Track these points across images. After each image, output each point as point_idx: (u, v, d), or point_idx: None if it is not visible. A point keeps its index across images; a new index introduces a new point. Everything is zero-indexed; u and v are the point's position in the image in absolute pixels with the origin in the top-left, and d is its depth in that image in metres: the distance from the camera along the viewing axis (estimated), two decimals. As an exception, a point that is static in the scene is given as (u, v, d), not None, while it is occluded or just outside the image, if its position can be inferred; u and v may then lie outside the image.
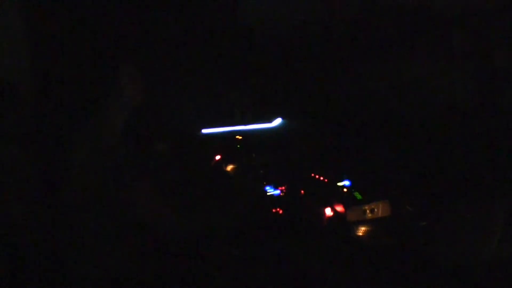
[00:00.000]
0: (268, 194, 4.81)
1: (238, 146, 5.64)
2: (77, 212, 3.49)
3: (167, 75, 6.46)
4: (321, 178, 4.80)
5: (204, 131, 5.93)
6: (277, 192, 4.81)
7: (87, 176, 3.33)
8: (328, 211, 4.34)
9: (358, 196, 4.35)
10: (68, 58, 6.34)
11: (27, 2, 6.44)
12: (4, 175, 5.56)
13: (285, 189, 4.80)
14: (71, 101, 6.08)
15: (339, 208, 4.31)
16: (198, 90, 6.72)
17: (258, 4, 7.02)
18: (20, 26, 6.42)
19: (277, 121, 6.07)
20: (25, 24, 6.39)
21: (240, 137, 5.78)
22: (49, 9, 6.54)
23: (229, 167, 5.35)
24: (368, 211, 4.25)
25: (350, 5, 6.96)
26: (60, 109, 6.34)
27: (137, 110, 3.49)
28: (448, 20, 5.83)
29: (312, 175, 4.87)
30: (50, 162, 6.23)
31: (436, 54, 5.60)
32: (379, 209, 4.25)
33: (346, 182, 4.62)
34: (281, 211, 4.59)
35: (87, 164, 3.32)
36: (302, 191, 4.70)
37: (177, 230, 3.46)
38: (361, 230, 4.19)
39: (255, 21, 6.97)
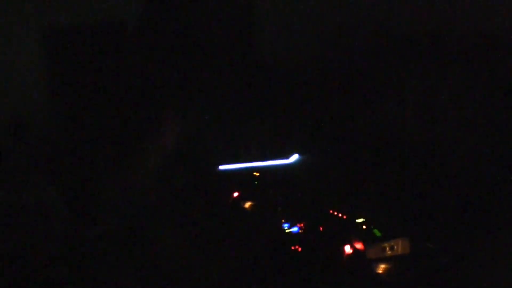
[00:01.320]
0: (286, 231, 4.79)
1: (256, 182, 5.64)
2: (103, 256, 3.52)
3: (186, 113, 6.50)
4: (340, 214, 4.77)
5: (222, 167, 5.93)
6: (296, 229, 4.78)
7: (117, 217, 3.35)
8: (348, 249, 4.30)
9: (377, 233, 4.32)
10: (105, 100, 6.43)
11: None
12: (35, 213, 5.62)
13: (303, 226, 4.78)
14: (108, 140, 6.15)
15: (359, 246, 4.28)
16: (215, 126, 6.75)
17: (276, 40, 7.07)
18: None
19: (294, 157, 6.06)
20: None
21: (258, 174, 5.77)
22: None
23: (247, 204, 5.34)
24: (387, 248, 4.21)
25: (364, 36, 6.98)
26: (96, 148, 6.40)
27: (171, 152, 3.52)
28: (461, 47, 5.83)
29: (331, 211, 4.84)
30: (82, 199, 6.29)
31: (454, 83, 5.58)
32: (399, 246, 4.21)
33: (364, 219, 4.59)
34: (300, 249, 4.56)
35: (118, 204, 3.35)
36: (321, 228, 4.67)
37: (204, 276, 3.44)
38: (381, 268, 4.15)
39: (272, 57, 7.01)
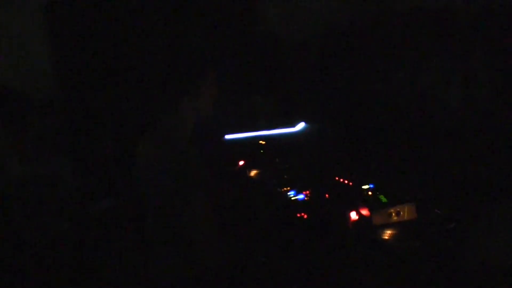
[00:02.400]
0: (292, 198, 4.77)
1: (262, 151, 5.61)
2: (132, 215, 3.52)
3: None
4: (346, 181, 4.74)
5: (227, 136, 5.91)
6: (302, 196, 4.76)
7: (149, 178, 3.33)
8: (354, 215, 4.28)
9: (383, 199, 4.28)
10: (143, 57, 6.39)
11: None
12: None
13: (309, 193, 4.75)
14: (142, 101, 6.12)
15: (364, 212, 4.25)
16: (221, 96, 6.71)
17: (280, 9, 7.02)
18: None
19: (301, 126, 6.03)
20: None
21: (264, 142, 5.75)
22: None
23: (253, 172, 5.33)
24: (393, 214, 4.18)
25: (370, 9, 6.93)
26: (130, 109, 6.38)
27: (207, 118, 3.50)
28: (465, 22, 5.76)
29: (337, 178, 4.81)
30: (112, 161, 6.29)
31: (456, 57, 5.52)
32: (405, 212, 4.18)
33: (371, 186, 4.56)
34: (305, 216, 4.54)
35: (154, 166, 3.33)
36: (327, 195, 4.64)
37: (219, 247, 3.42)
38: (387, 234, 4.13)
39: (278, 26, 6.96)
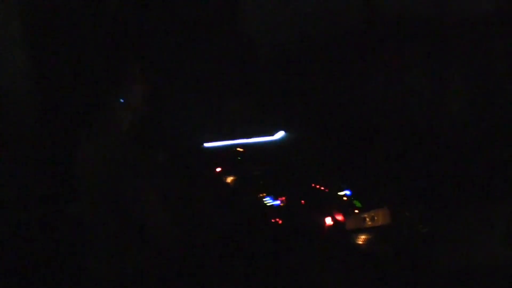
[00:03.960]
0: (267, 204, 4.75)
1: (239, 158, 5.60)
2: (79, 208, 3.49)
3: (168, 88, 6.46)
4: (322, 188, 4.74)
5: (206, 144, 5.89)
6: (277, 202, 4.75)
7: (91, 172, 3.32)
8: (328, 220, 4.27)
9: (357, 204, 4.28)
10: (73, 57, 6.38)
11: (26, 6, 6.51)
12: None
13: (285, 199, 4.74)
14: (78, 100, 6.10)
15: (339, 217, 4.24)
16: (200, 103, 6.71)
17: (259, 15, 7.03)
18: (20, 29, 6.46)
19: (279, 134, 6.03)
20: (25, 27, 6.44)
21: (241, 149, 5.74)
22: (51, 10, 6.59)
23: (229, 179, 5.31)
24: (367, 219, 4.18)
25: (352, 16, 6.96)
26: (66, 109, 6.36)
27: (142, 113, 3.50)
28: (451, 29, 5.80)
29: (313, 185, 4.81)
30: (56, 160, 6.24)
31: (436, 63, 5.55)
32: (379, 217, 4.18)
33: (347, 192, 4.56)
34: (280, 221, 4.53)
35: (92, 160, 3.32)
36: (302, 201, 4.63)
37: (175, 237, 3.41)
38: (361, 238, 4.12)
39: (256, 32, 6.97)
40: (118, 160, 3.21)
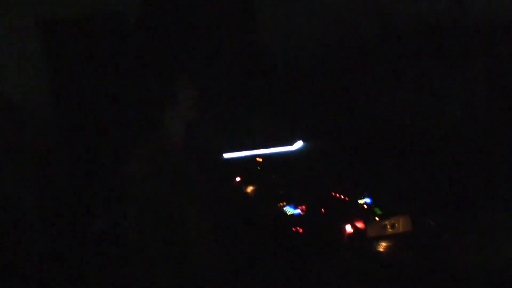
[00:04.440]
0: (288, 214, 4.77)
1: (258, 168, 5.62)
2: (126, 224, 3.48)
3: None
4: (342, 196, 4.74)
5: (226, 155, 5.92)
6: (297, 211, 4.76)
7: (142, 192, 3.31)
8: (349, 228, 4.27)
9: (378, 211, 4.28)
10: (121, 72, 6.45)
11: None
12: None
13: (305, 208, 4.75)
14: (129, 114, 6.14)
15: (359, 225, 4.25)
16: (220, 114, 6.74)
17: (279, 27, 7.07)
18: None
19: (298, 144, 6.05)
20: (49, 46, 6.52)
21: (261, 159, 5.76)
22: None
23: (249, 188, 5.33)
24: (388, 226, 4.18)
25: (367, 26, 6.98)
26: (116, 123, 6.42)
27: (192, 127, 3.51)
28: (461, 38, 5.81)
29: (333, 194, 4.81)
30: (103, 175, 6.28)
31: (450, 73, 5.55)
32: (400, 224, 4.17)
33: (367, 200, 4.56)
34: (301, 230, 4.54)
35: (142, 179, 3.30)
36: (323, 210, 4.64)
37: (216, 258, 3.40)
38: (382, 246, 4.12)
39: (276, 44, 7.01)
40: (175, 182, 3.17)
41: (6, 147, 5.34)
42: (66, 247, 5.56)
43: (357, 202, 4.54)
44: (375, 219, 4.23)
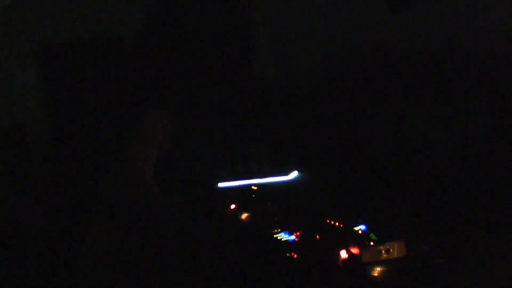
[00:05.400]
0: (282, 240, 4.76)
1: (253, 195, 5.62)
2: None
3: (183, 128, 6.52)
4: (337, 224, 4.74)
5: (221, 184, 5.92)
6: (292, 238, 4.75)
7: (113, 222, 3.28)
8: (343, 253, 4.26)
9: (373, 237, 4.28)
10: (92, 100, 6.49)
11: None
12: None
13: (300, 234, 4.74)
14: (96, 142, 6.17)
15: (354, 250, 4.24)
16: (214, 144, 6.76)
17: (275, 59, 7.14)
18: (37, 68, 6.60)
19: (294, 174, 6.06)
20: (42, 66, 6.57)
21: (256, 188, 5.76)
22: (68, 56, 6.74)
23: (244, 215, 5.32)
24: (383, 251, 4.17)
25: (363, 56, 7.05)
26: (85, 150, 6.42)
27: (163, 156, 3.51)
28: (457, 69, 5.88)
29: (327, 221, 4.81)
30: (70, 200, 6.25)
31: (445, 102, 5.61)
32: (395, 249, 4.17)
33: (362, 227, 4.56)
34: (295, 255, 4.52)
35: (115, 208, 3.28)
36: (318, 236, 4.63)
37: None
38: (377, 271, 4.10)
39: (273, 75, 7.07)
40: (144, 209, 3.17)
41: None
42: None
43: (352, 228, 4.54)
44: (370, 244, 4.22)
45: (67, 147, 6.78)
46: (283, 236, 4.77)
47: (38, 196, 6.28)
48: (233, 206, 5.45)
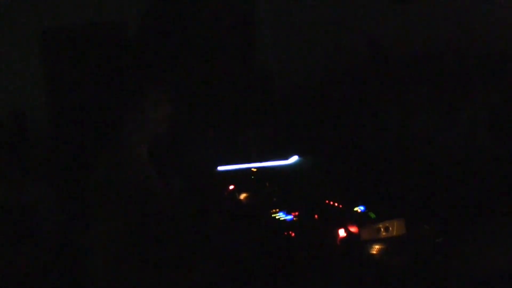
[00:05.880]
0: (280, 219, 4.68)
1: (252, 177, 5.54)
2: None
3: (183, 112, 6.47)
4: (336, 204, 4.66)
5: (220, 168, 5.85)
6: (290, 217, 4.67)
7: (103, 198, 3.23)
8: (342, 232, 4.18)
9: (372, 215, 4.20)
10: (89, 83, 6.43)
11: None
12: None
13: (298, 214, 4.67)
14: (92, 124, 6.11)
15: (353, 229, 4.16)
16: (214, 128, 6.70)
17: (276, 46, 7.09)
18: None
19: (294, 159, 5.99)
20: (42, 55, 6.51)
21: (255, 170, 5.69)
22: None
23: (242, 196, 5.25)
24: (382, 229, 4.08)
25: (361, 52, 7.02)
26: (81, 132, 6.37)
27: (159, 139, 3.46)
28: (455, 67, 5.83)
29: (327, 202, 4.73)
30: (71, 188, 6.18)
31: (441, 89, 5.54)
32: (394, 228, 4.08)
33: (361, 207, 4.48)
34: (293, 234, 4.44)
35: (104, 184, 3.23)
36: (316, 216, 4.55)
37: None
38: (375, 249, 4.02)
39: (273, 60, 7.02)
40: (141, 191, 3.10)
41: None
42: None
43: (351, 208, 4.46)
44: (369, 222, 4.14)
45: (67, 133, 6.74)
46: (281, 216, 4.69)
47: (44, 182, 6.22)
48: (231, 187, 5.37)
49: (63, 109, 6.63)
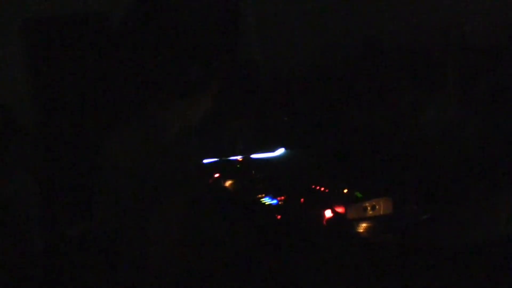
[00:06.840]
0: (266, 203, 4.65)
1: (238, 166, 5.53)
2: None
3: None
4: (322, 188, 4.64)
5: (206, 160, 5.82)
6: (275, 201, 4.65)
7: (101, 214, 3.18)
8: (328, 213, 4.16)
9: (358, 195, 4.17)
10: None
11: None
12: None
13: (284, 198, 4.64)
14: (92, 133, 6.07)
15: (339, 209, 4.13)
16: (200, 120, 6.66)
17: (264, 39, 7.08)
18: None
19: (280, 151, 5.98)
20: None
21: (241, 159, 5.67)
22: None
23: (228, 183, 5.22)
24: (369, 208, 4.06)
25: (352, 45, 7.02)
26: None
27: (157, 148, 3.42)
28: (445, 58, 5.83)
29: (313, 186, 4.71)
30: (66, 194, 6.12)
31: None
32: (381, 206, 4.06)
33: (347, 188, 4.46)
34: (279, 217, 4.42)
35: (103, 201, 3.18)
36: (302, 200, 4.53)
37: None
38: (362, 227, 4.00)
39: (259, 53, 7.01)
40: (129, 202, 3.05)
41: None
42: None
43: (338, 190, 4.44)
44: (355, 202, 4.11)
45: (51, 124, 6.69)
46: (266, 200, 4.67)
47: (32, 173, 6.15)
48: (216, 175, 5.35)
49: (47, 100, 6.58)
